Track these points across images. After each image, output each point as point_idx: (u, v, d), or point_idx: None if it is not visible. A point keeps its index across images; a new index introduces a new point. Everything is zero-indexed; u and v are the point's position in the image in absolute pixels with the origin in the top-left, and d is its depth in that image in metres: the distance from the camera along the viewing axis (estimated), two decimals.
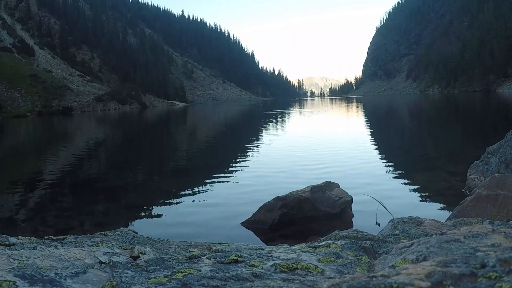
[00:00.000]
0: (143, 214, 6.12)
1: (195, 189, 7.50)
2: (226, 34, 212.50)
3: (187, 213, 5.96)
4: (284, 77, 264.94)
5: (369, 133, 17.36)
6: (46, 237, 1.98)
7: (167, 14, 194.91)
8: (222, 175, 8.73)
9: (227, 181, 7.99)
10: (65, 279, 1.41)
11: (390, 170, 8.45)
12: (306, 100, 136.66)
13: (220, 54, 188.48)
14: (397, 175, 7.85)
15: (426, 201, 5.93)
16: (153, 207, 6.47)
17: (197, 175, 9.19)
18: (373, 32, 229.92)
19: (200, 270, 1.51)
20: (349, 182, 6.79)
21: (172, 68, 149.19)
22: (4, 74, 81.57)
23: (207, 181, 8.20)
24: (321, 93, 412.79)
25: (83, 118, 51.51)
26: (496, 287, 0.90)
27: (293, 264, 1.56)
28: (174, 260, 1.72)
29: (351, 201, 5.37)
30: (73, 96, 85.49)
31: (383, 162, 9.49)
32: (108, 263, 1.63)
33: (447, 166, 8.49)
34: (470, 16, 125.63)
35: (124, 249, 1.86)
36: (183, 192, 7.25)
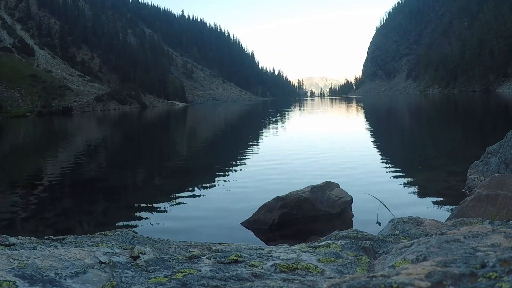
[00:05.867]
0: (143, 214, 6.12)
1: (195, 189, 7.50)
2: (226, 34, 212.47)
3: (187, 213, 5.96)
4: (284, 77, 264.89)
5: (369, 133, 17.36)
6: (46, 237, 1.98)
7: (167, 14, 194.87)
8: (222, 175, 8.73)
9: (227, 181, 7.99)
10: (65, 279, 1.41)
11: (390, 170, 8.44)
12: (306, 100, 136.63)
13: (220, 54, 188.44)
14: (397, 175, 7.85)
15: (426, 201, 5.93)
16: (153, 207, 6.46)
17: (197, 175, 9.19)
18: (373, 32, 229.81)
19: (200, 270, 1.51)
20: (349, 182, 6.79)
21: (172, 68, 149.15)
22: (4, 74, 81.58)
23: (207, 181, 8.20)
24: (321, 93, 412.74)
25: (83, 118, 51.51)
26: (496, 287, 0.90)
27: (293, 264, 1.55)
28: (174, 260, 1.72)
29: (351, 201, 5.37)
30: (73, 96, 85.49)
31: (383, 162, 9.49)
32: (108, 263, 1.63)
33: (447, 166, 8.48)
34: (470, 16, 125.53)
35: (124, 249, 1.86)
36: (183, 192, 7.25)
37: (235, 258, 1.65)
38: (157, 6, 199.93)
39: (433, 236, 1.59)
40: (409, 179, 7.47)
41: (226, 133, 22.43)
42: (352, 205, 5.37)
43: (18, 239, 1.89)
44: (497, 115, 23.91)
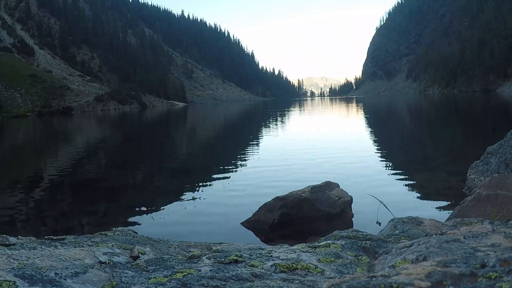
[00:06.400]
0: (143, 214, 6.12)
1: (195, 189, 7.50)
2: (226, 34, 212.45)
3: (187, 213, 5.95)
4: (284, 77, 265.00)
5: (369, 133, 17.36)
6: (46, 237, 1.98)
7: (167, 14, 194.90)
8: (222, 175, 8.73)
9: (227, 181, 7.99)
10: (65, 279, 1.41)
11: (390, 170, 8.44)
12: (306, 100, 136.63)
13: (220, 54, 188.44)
14: (397, 175, 7.85)
15: (426, 201, 5.93)
16: (153, 207, 6.46)
17: (197, 175, 9.19)
18: (373, 32, 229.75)
19: (200, 270, 1.51)
20: (349, 182, 6.79)
21: (172, 68, 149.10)
22: (4, 74, 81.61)
23: (207, 181, 8.19)
24: (321, 93, 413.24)
25: (83, 118, 51.51)
26: (496, 287, 0.90)
27: (293, 264, 1.55)
28: (174, 260, 1.72)
29: (351, 201, 5.36)
30: (73, 96, 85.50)
31: (383, 162, 9.49)
32: (108, 263, 1.63)
33: (447, 166, 8.48)
34: (470, 16, 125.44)
35: (124, 249, 1.86)
36: (183, 192, 7.25)
37: (235, 258, 1.65)
38: (157, 6, 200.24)
39: (433, 236, 1.59)
40: (409, 179, 7.46)
41: (226, 133, 22.42)
42: (352, 205, 5.37)
43: (18, 239, 1.89)
44: (497, 115, 23.91)
